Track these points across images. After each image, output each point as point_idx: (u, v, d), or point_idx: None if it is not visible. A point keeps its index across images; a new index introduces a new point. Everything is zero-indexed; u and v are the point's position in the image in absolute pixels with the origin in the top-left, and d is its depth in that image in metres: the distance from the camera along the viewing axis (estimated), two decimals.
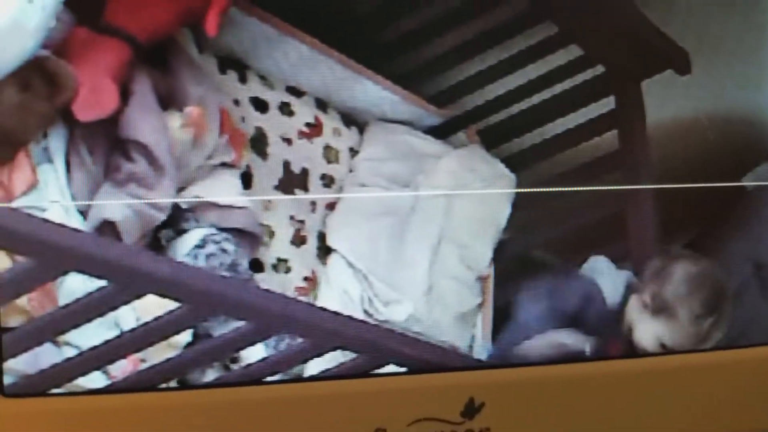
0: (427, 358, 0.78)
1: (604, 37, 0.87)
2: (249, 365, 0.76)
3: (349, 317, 0.79)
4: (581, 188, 0.87)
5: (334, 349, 0.75)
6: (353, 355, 0.76)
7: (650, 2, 0.86)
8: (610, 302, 0.86)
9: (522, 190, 0.87)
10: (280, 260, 0.82)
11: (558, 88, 0.87)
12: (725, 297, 0.86)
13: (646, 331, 0.84)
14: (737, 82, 0.89)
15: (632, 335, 0.84)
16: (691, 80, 0.88)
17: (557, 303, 0.84)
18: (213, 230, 0.77)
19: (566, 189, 0.86)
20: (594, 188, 0.88)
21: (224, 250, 0.77)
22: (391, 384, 0.76)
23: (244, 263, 0.78)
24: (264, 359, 0.76)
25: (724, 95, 0.90)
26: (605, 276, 0.86)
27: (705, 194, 0.89)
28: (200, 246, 0.76)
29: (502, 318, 0.86)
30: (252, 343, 0.74)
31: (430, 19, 0.83)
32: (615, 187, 0.88)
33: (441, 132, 0.87)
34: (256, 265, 0.80)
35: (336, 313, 0.77)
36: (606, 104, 0.88)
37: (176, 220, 0.76)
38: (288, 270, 0.82)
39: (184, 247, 0.76)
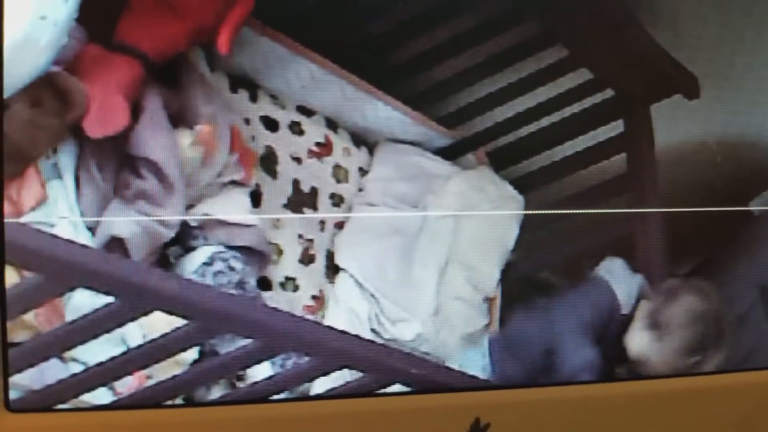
0: (433, 378, 0.78)
1: (613, 61, 0.87)
2: (255, 383, 0.75)
3: (356, 336, 0.79)
4: (589, 211, 0.87)
5: (341, 368, 0.75)
6: (359, 374, 0.76)
7: (660, 27, 0.86)
8: (623, 306, 0.86)
9: (530, 212, 0.87)
10: (288, 278, 0.82)
11: (567, 111, 0.87)
12: (718, 343, 0.86)
13: (635, 338, 0.85)
14: (746, 106, 0.90)
15: (625, 335, 0.85)
16: (700, 104, 0.88)
17: (585, 315, 0.84)
18: (221, 248, 0.77)
19: (574, 211, 0.86)
20: (602, 211, 0.88)
21: (232, 268, 0.77)
22: (397, 404, 0.76)
23: (252, 281, 0.78)
24: (270, 377, 0.76)
25: (732, 120, 0.90)
26: (620, 279, 0.86)
27: (712, 218, 0.89)
28: (208, 263, 0.76)
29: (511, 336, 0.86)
30: (259, 361, 0.74)
31: (441, 41, 0.83)
32: (623, 210, 0.88)
33: (450, 153, 0.87)
34: (264, 283, 0.80)
35: (343, 332, 0.77)
36: (615, 128, 0.88)
37: (185, 238, 0.76)
38: (296, 288, 0.82)
39: (192, 264, 0.76)
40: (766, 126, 0.90)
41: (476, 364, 0.84)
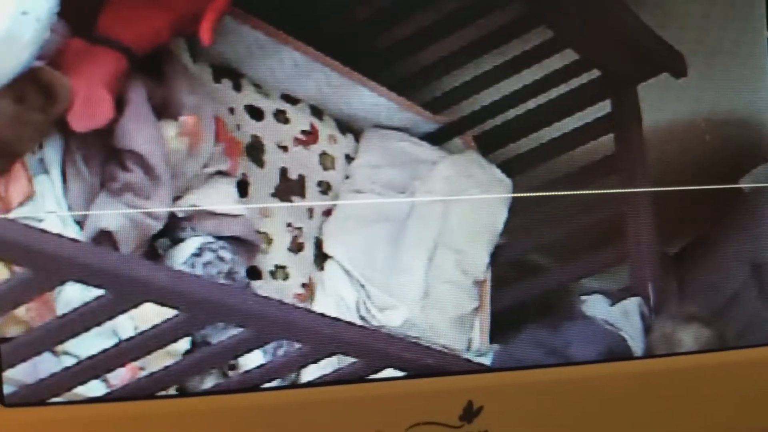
0: (425, 362, 0.78)
1: (599, 42, 0.87)
2: (247, 372, 0.76)
3: (348, 322, 0.79)
4: (578, 192, 0.87)
5: (333, 354, 0.76)
6: (351, 361, 0.76)
7: (646, 6, 0.86)
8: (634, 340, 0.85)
9: (518, 194, 0.87)
10: (278, 267, 0.82)
11: (554, 93, 0.86)
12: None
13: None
14: (734, 84, 0.89)
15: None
16: (687, 83, 0.88)
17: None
18: (210, 239, 0.77)
19: (563, 193, 0.87)
20: (591, 192, 0.88)
21: (221, 258, 0.77)
22: (389, 389, 0.76)
23: (242, 271, 0.79)
24: (262, 365, 0.76)
25: (720, 97, 0.90)
26: (618, 319, 0.85)
27: (702, 197, 0.89)
28: (197, 254, 0.76)
29: (500, 323, 0.86)
30: (250, 350, 0.74)
31: (424, 26, 0.83)
32: (611, 191, 0.88)
33: (437, 138, 0.87)
34: (254, 273, 0.81)
35: (335, 319, 0.78)
36: (602, 108, 0.88)
37: (173, 229, 0.76)
38: (286, 277, 0.82)
39: (180, 255, 0.76)
40: (755, 103, 0.90)
41: None
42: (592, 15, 0.85)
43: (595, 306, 0.86)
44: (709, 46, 0.88)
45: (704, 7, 0.87)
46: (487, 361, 0.83)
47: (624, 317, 0.86)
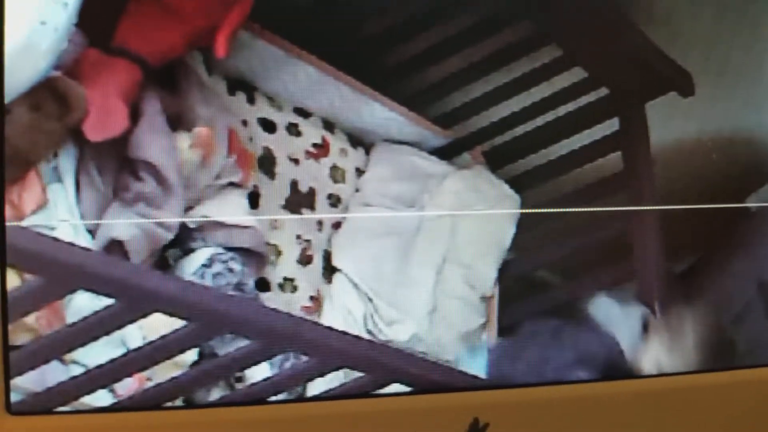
0: (432, 378, 0.78)
1: (607, 60, 0.87)
2: (254, 384, 0.76)
3: (355, 336, 0.79)
4: (585, 209, 0.87)
5: (340, 368, 0.76)
6: (358, 375, 0.76)
7: (654, 25, 0.86)
8: (627, 347, 0.85)
9: (526, 210, 0.87)
10: (286, 279, 0.82)
11: (562, 110, 0.87)
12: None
13: (649, 360, 0.84)
14: (741, 103, 0.90)
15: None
16: (695, 102, 0.89)
17: (583, 355, 0.84)
18: (220, 250, 0.77)
19: (570, 210, 0.87)
20: (598, 209, 0.88)
21: (231, 270, 0.77)
22: (395, 404, 0.76)
23: (251, 283, 0.79)
24: (268, 378, 0.76)
25: (727, 116, 0.90)
26: (621, 325, 0.85)
27: (709, 215, 0.89)
28: (207, 265, 0.77)
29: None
30: (257, 362, 0.74)
31: (435, 42, 0.83)
32: (619, 208, 0.88)
33: (446, 153, 0.88)
34: (263, 285, 0.81)
35: (342, 332, 0.78)
36: (610, 126, 0.89)
37: (184, 240, 0.77)
38: (294, 289, 0.82)
39: (191, 266, 0.76)
40: (762, 122, 0.91)
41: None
42: (601, 34, 0.86)
43: (601, 307, 0.86)
44: (716, 65, 0.89)
45: (711, 26, 0.88)
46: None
47: (626, 322, 0.86)
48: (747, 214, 0.91)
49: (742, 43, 0.89)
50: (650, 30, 0.86)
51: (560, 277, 0.89)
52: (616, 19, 0.86)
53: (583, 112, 0.88)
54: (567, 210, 0.87)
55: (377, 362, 0.77)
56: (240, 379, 0.77)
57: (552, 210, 0.87)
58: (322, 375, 0.75)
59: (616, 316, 0.86)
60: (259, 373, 0.76)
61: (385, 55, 0.84)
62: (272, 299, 0.80)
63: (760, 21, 0.89)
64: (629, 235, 0.88)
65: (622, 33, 0.86)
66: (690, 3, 0.88)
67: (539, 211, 0.88)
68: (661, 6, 0.87)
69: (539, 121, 0.87)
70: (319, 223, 0.85)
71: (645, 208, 0.88)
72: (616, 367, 0.84)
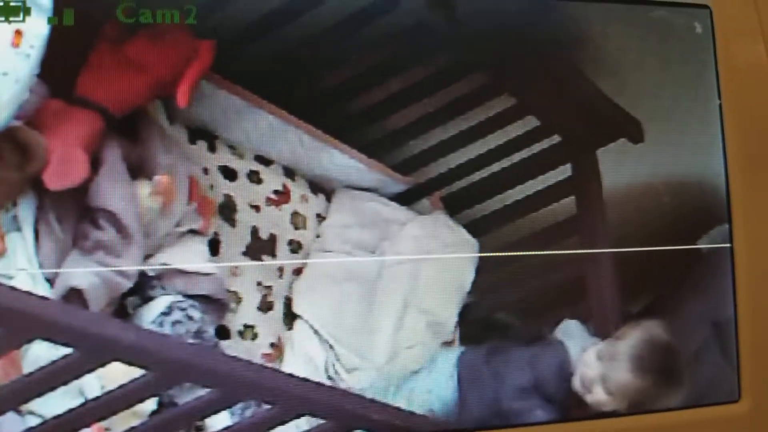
0: (394, 424, 0.78)
1: (559, 109, 0.90)
2: None
3: (317, 383, 0.79)
4: (541, 252, 0.89)
5: (301, 415, 0.75)
6: (320, 422, 0.76)
7: (603, 75, 0.90)
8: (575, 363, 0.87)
9: (484, 254, 0.89)
10: (246, 327, 0.82)
11: (517, 157, 0.89)
12: (671, 377, 0.88)
13: (585, 369, 0.85)
14: (689, 148, 0.93)
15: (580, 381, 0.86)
16: (645, 147, 0.92)
17: (539, 374, 0.85)
18: (179, 297, 0.77)
19: (527, 253, 0.89)
20: (554, 252, 0.90)
21: (190, 317, 0.77)
22: None
23: (211, 330, 0.79)
24: (229, 427, 0.75)
25: (677, 161, 0.93)
26: (576, 340, 0.87)
27: (662, 257, 0.91)
28: (166, 313, 0.76)
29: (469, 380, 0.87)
30: (218, 411, 0.74)
31: (394, 92, 0.86)
32: (574, 251, 0.90)
33: (406, 199, 0.89)
34: (223, 332, 0.81)
35: (303, 379, 0.77)
36: (563, 171, 0.91)
37: (143, 287, 0.76)
38: (255, 336, 0.82)
39: (150, 314, 0.76)
40: (710, 166, 0.93)
41: (444, 372, 0.84)
42: (552, 83, 0.89)
43: (569, 332, 0.88)
44: (664, 112, 0.92)
45: (658, 76, 0.92)
46: None
47: (582, 335, 0.87)
48: (699, 255, 0.93)
49: (687, 91, 0.93)
50: (600, 80, 0.90)
51: (518, 318, 0.90)
52: (567, 69, 0.89)
53: (537, 159, 0.90)
54: (523, 253, 0.88)
55: (339, 409, 0.76)
56: (200, 429, 0.76)
57: (509, 254, 0.89)
58: (283, 423, 0.75)
59: (575, 334, 0.87)
60: (220, 421, 0.75)
61: (344, 104, 0.85)
62: (232, 347, 0.80)
63: (703, 71, 0.93)
64: (584, 277, 0.90)
65: (573, 83, 0.89)
66: (637, 54, 0.92)
67: (497, 255, 0.89)
68: (609, 57, 0.90)
69: (495, 167, 0.89)
70: (280, 269, 0.85)
71: (598, 251, 0.90)
72: (562, 377, 0.85)
